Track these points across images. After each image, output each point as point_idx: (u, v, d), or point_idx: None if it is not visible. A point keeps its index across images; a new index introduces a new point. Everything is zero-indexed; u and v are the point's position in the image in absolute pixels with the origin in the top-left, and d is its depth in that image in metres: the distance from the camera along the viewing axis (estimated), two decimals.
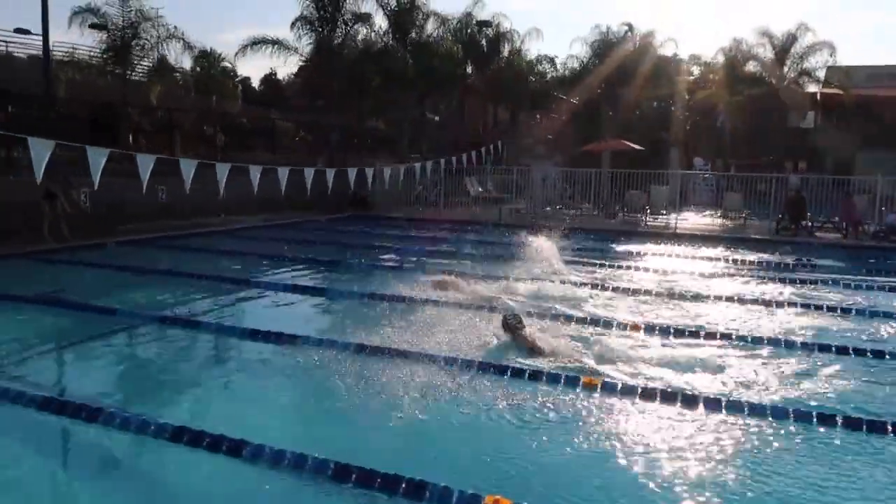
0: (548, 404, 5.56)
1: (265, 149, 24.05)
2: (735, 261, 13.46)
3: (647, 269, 12.14)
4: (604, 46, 38.70)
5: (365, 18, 23.70)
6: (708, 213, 21.21)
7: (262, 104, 32.70)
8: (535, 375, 6.09)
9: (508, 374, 6.17)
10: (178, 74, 21.61)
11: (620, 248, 15.29)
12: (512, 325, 7.00)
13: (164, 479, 4.54)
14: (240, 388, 6.24)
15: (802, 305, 9.22)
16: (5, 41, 24.08)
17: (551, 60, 38.55)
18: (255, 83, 43.02)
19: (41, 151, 8.77)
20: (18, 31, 27.44)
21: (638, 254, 14.35)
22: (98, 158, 9.72)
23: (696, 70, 46.40)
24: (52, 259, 12.54)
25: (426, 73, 26.49)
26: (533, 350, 6.77)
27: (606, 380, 6.00)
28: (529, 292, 9.59)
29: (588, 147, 26.77)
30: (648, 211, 20.00)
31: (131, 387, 6.33)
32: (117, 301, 9.20)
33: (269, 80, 43.73)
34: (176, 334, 7.76)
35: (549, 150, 36.71)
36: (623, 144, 25.08)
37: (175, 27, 18.88)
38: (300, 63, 30.39)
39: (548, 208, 22.11)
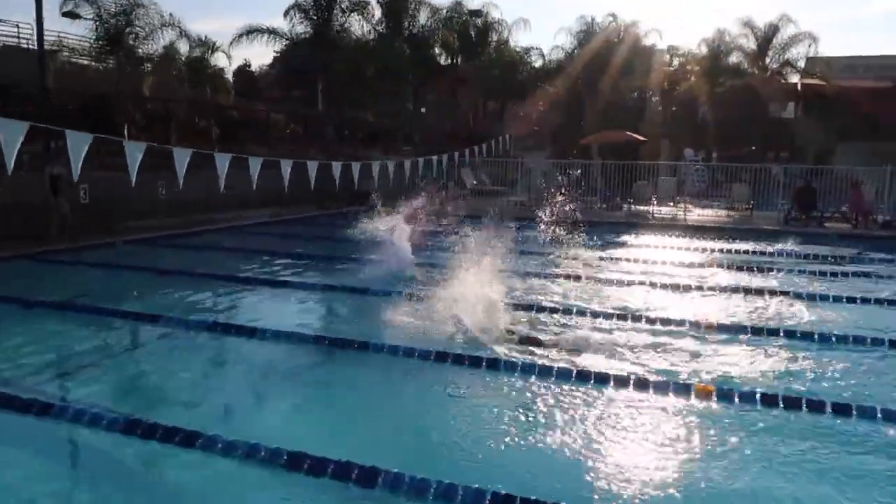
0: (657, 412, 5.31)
1: (256, 142, 23.34)
2: (773, 253, 13.34)
3: (691, 264, 11.95)
4: (588, 37, 38.72)
5: (363, 6, 23.07)
6: (706, 203, 21.15)
7: (239, 95, 31.86)
8: (643, 384, 5.81)
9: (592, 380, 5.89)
10: (177, 62, 20.66)
11: (643, 240, 15.09)
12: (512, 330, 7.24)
13: None
14: (318, 403, 5.82)
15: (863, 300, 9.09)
16: None
17: (534, 51, 38.45)
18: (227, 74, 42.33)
19: (79, 145, 8.13)
20: None
21: (669, 247, 14.13)
22: (136, 153, 9.12)
23: (674, 61, 46.57)
24: (63, 260, 11.90)
25: (421, 63, 26.03)
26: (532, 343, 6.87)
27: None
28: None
29: (588, 139, 26.58)
30: (655, 203, 19.91)
31: (201, 402, 5.85)
32: (147, 305, 8.72)
33: (243, 71, 42.92)
34: (232, 342, 7.26)
35: (537, 142, 36.59)
36: (625, 135, 24.92)
37: (171, 14, 18.09)
38: (275, 54, 29.66)
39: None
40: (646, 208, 19.94)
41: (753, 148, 39.78)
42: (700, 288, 9.75)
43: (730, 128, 39.19)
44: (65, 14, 24.90)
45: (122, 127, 17.55)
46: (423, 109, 36.46)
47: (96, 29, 17.93)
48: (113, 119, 17.45)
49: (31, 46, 25.05)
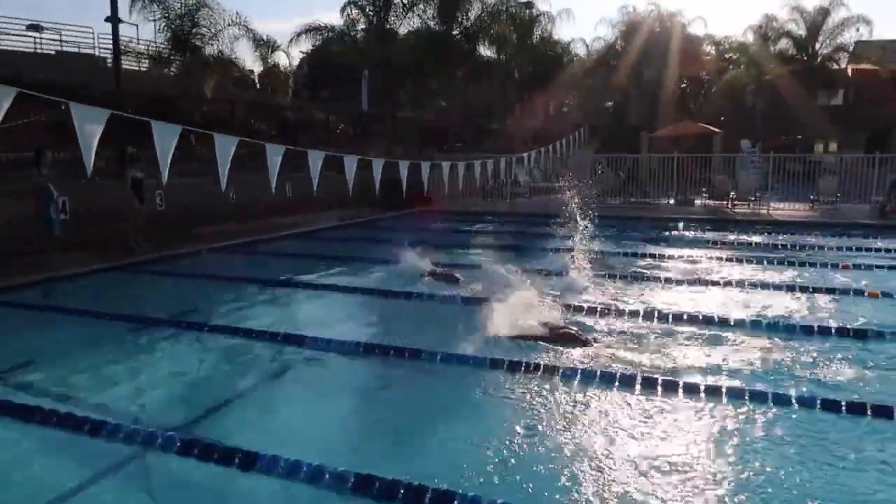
0: None
1: (314, 143, 22.76)
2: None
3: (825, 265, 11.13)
4: (630, 27, 37.97)
5: (425, 0, 22.30)
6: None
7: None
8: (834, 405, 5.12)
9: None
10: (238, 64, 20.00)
11: (759, 239, 14.16)
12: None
13: None
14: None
15: None
16: (34, 37, 22.81)
17: (577, 42, 37.74)
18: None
19: (226, 148, 7.59)
20: (31, 27, 25.98)
21: (786, 246, 13.22)
22: (275, 157, 8.55)
23: (711, 49, 45.45)
24: (153, 270, 11.38)
25: (471, 58, 25.36)
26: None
27: None
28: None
29: (662, 131, 25.76)
30: (734, 197, 19.16)
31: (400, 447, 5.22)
32: (272, 322, 8.12)
33: (272, 71, 42.48)
34: (389, 366, 6.60)
35: (590, 136, 35.78)
36: (700, 128, 24.10)
37: (237, 13, 17.51)
38: (301, 54, 29.12)
39: (617, 200, 21.10)
40: (716, 203, 19.25)
41: (799, 137, 38.70)
42: (860, 293, 8.99)
43: (777, 117, 38.19)
44: (107, 19, 24.51)
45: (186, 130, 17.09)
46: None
47: (162, 30, 17.46)
48: (177, 122, 16.97)
49: (78, 50, 24.85)
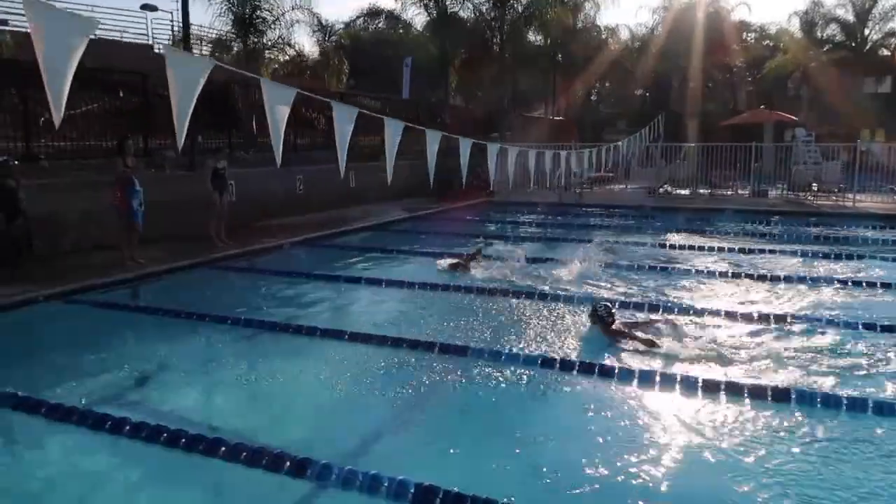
0: None
1: (361, 131, 21.93)
2: None
3: None
4: (672, 13, 36.92)
5: None
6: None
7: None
8: None
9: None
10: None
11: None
12: (602, 315, 6.53)
13: None
14: None
15: None
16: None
17: (622, 27, 36.66)
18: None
19: (394, 135, 6.83)
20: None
21: None
22: (433, 145, 7.79)
23: (751, 37, 44.21)
24: (241, 267, 10.66)
25: (523, 44, 24.46)
26: (618, 342, 6.34)
27: None
28: None
29: (734, 120, 24.74)
30: (816, 188, 18.25)
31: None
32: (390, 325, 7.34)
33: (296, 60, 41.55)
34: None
35: (629, 123, 34.81)
36: (775, 115, 23.05)
37: None
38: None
39: (684, 192, 20.21)
40: (795, 195, 18.35)
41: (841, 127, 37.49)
42: None
43: (823, 105, 37.03)
44: (143, 7, 23.72)
45: (248, 119, 16.42)
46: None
47: (224, 13, 16.59)
48: (234, 110, 16.31)
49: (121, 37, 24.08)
